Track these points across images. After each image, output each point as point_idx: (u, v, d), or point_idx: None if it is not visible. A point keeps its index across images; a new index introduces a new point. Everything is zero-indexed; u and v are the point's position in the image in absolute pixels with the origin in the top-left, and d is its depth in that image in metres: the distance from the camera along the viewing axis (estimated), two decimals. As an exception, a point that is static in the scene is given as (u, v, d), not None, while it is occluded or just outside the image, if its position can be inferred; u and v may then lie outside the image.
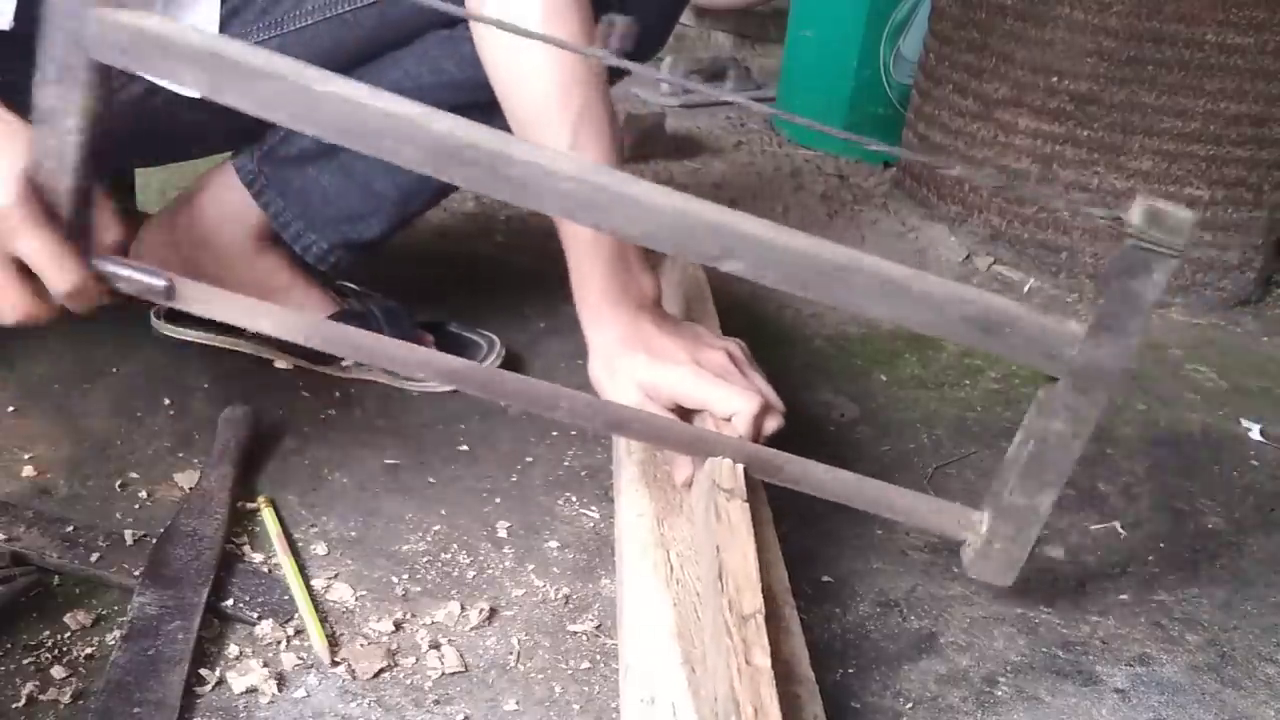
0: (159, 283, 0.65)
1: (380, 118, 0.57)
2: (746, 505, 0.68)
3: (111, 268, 0.64)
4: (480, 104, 0.93)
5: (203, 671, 0.66)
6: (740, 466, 0.71)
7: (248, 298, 0.68)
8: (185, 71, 0.57)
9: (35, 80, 0.58)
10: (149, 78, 0.57)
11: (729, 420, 0.77)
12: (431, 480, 0.89)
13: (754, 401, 0.76)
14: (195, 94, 0.58)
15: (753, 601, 0.59)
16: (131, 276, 0.65)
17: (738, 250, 0.60)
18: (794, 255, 0.60)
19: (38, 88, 0.59)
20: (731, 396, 0.77)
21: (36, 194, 0.60)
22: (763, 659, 0.55)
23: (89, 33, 0.56)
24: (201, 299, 0.67)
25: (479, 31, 0.84)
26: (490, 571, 0.79)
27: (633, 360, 0.80)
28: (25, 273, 0.62)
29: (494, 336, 1.07)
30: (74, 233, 0.62)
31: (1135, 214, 0.59)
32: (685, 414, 0.79)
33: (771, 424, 0.78)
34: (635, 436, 0.78)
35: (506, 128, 0.87)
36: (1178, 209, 0.59)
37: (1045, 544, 0.75)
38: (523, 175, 0.58)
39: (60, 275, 0.62)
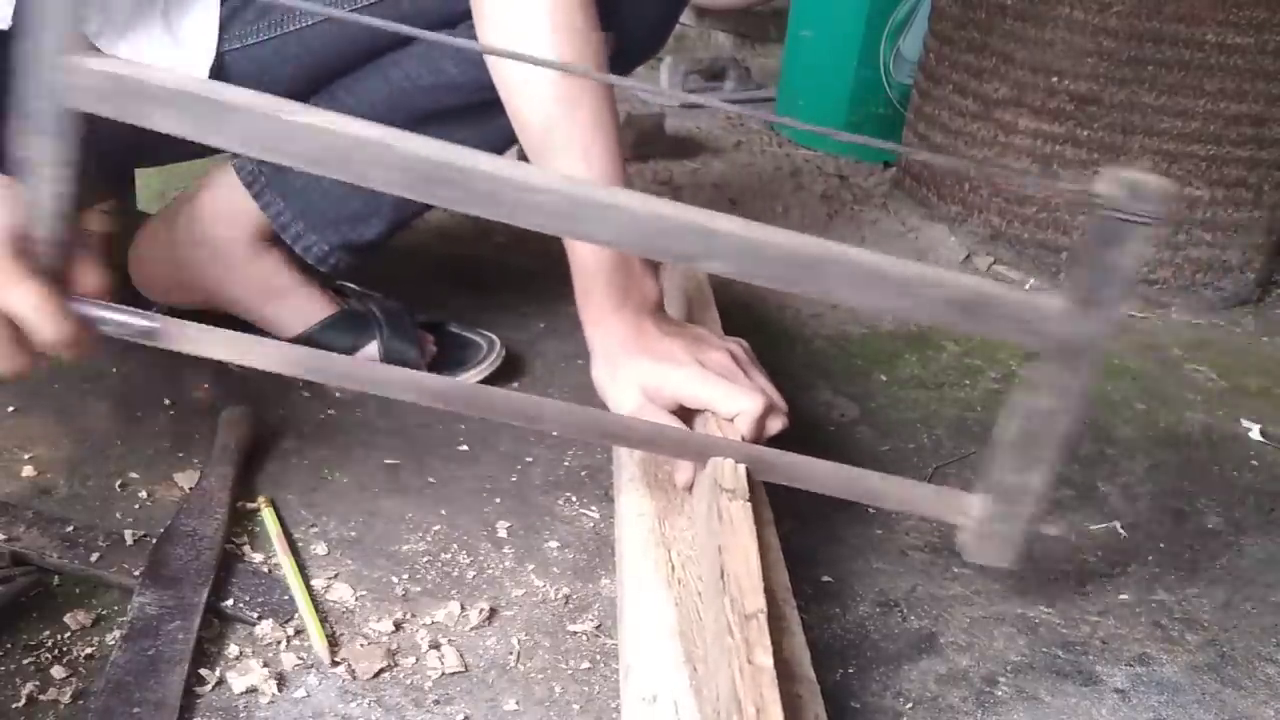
0: (146, 324, 0.65)
1: (353, 145, 0.57)
2: (748, 505, 0.68)
3: (96, 312, 0.64)
4: (480, 104, 0.94)
5: (203, 671, 0.66)
6: (742, 467, 0.71)
7: (232, 333, 0.68)
8: (160, 115, 0.57)
9: (11, 130, 0.58)
10: (126, 120, 0.57)
11: (732, 421, 0.77)
12: (431, 480, 0.89)
13: (758, 402, 0.76)
14: (177, 133, 0.58)
15: (755, 601, 0.59)
16: (117, 320, 0.65)
17: (715, 249, 0.60)
18: (771, 250, 0.61)
19: (15, 138, 0.58)
20: (735, 397, 0.77)
21: (26, 248, 0.60)
22: (765, 658, 0.55)
23: (64, 82, 0.56)
24: (188, 338, 0.67)
25: (485, 36, 0.83)
26: (490, 571, 0.79)
27: (635, 362, 0.80)
28: (10, 326, 0.62)
29: (494, 336, 1.06)
30: (58, 282, 0.62)
31: (1106, 184, 0.60)
32: (688, 415, 0.79)
33: (775, 424, 0.78)
34: (631, 445, 0.79)
35: (507, 127, 0.87)
36: (1154, 177, 0.59)
37: (1042, 522, 0.75)
38: (496, 190, 0.58)
39: (48, 326, 0.62)
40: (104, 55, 0.57)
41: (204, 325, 0.68)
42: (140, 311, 0.66)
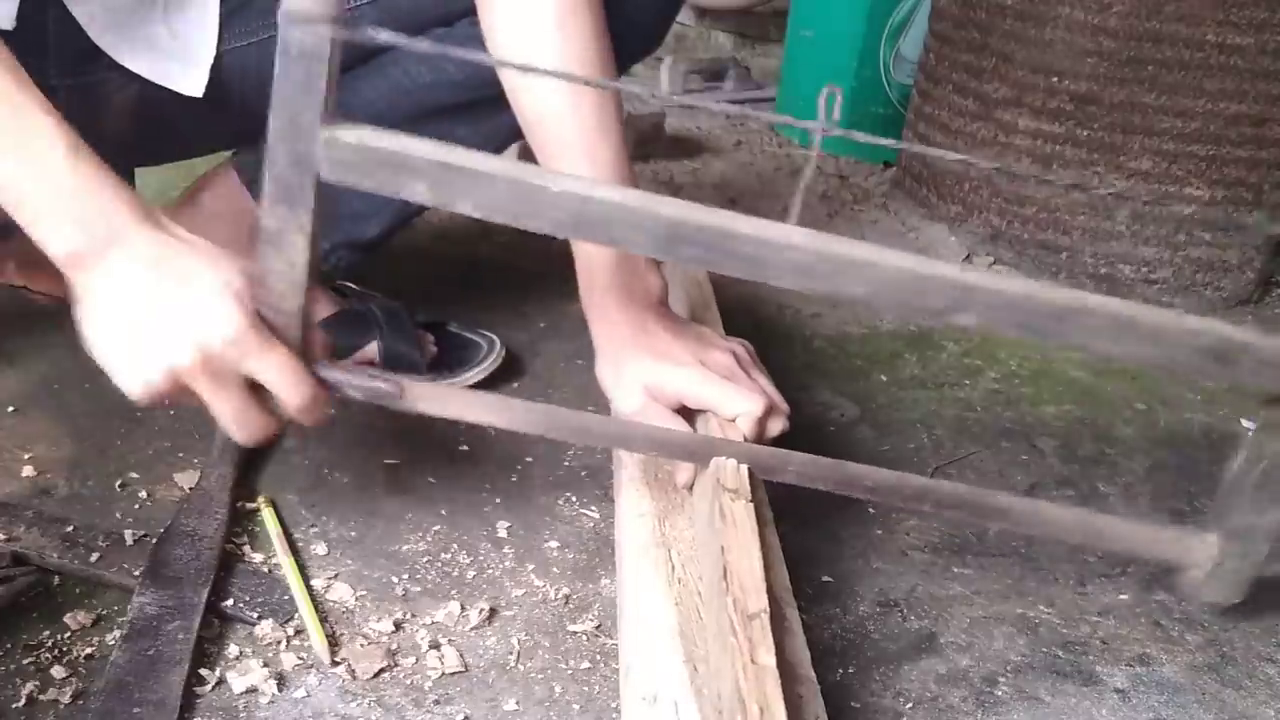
0: (387, 387, 0.66)
1: (612, 210, 0.58)
2: (751, 505, 0.68)
3: (339, 376, 0.66)
4: (480, 101, 0.94)
5: (203, 671, 0.66)
6: (744, 467, 0.71)
7: (476, 392, 0.70)
8: (414, 184, 0.57)
9: (259, 201, 0.59)
10: (376, 191, 0.58)
11: (734, 421, 0.77)
12: (431, 480, 0.89)
13: (759, 402, 0.76)
14: (427, 203, 0.58)
15: (758, 601, 0.59)
16: (358, 384, 0.66)
17: (967, 305, 0.61)
18: (1026, 303, 0.61)
19: (262, 209, 0.59)
20: (737, 397, 0.77)
21: (259, 314, 0.62)
22: (768, 658, 0.55)
23: (316, 153, 0.57)
24: (432, 397, 0.68)
25: (490, 33, 0.83)
26: (490, 571, 0.79)
27: (638, 361, 0.80)
28: (257, 391, 0.64)
29: (494, 336, 1.06)
30: (300, 348, 0.63)
31: None
32: (690, 415, 0.80)
33: (776, 425, 0.78)
34: (632, 448, 0.79)
35: (506, 125, 0.87)
36: None
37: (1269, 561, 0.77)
38: (753, 252, 0.59)
39: (294, 392, 0.64)
40: (357, 126, 0.57)
41: (446, 386, 0.68)
42: (380, 374, 0.67)
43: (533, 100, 0.82)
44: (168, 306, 0.61)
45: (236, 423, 0.65)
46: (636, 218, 0.58)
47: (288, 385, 0.63)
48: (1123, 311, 0.62)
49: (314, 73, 0.55)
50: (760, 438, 0.77)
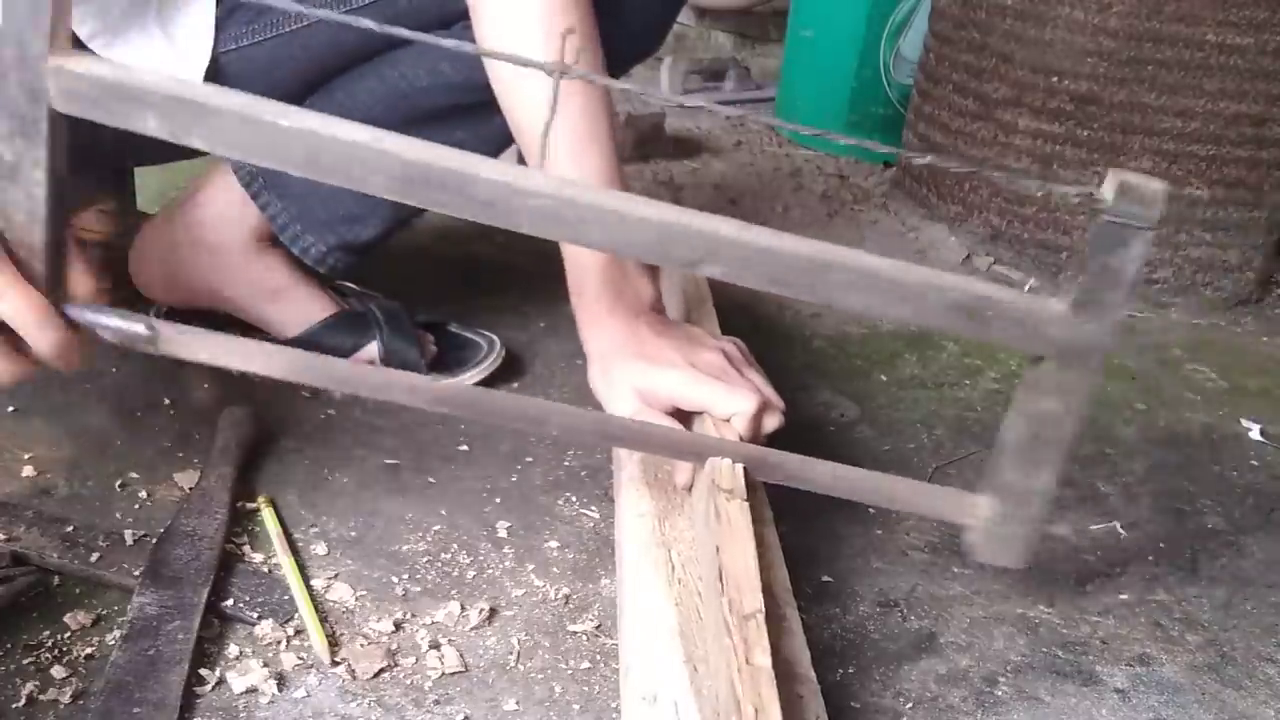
0: (140, 329, 0.64)
1: (342, 148, 0.56)
2: (746, 505, 0.68)
3: (91, 316, 0.63)
4: (477, 104, 0.94)
5: (203, 671, 0.66)
6: (740, 466, 0.71)
7: (229, 337, 0.67)
8: (146, 116, 0.56)
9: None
10: (111, 124, 0.56)
11: (728, 421, 0.77)
12: (431, 480, 0.89)
13: (752, 400, 0.76)
14: (158, 134, 0.57)
15: (753, 601, 0.59)
16: (113, 325, 0.64)
17: (714, 254, 0.59)
18: (770, 255, 0.60)
19: None
20: (729, 397, 0.77)
21: (8, 253, 0.59)
22: (763, 658, 0.55)
23: (46, 85, 0.56)
24: (185, 343, 0.66)
25: (481, 34, 0.83)
26: (490, 571, 0.79)
27: (628, 366, 0.80)
28: (5, 333, 0.61)
29: (494, 336, 1.06)
30: (51, 288, 0.61)
31: (1107, 189, 0.60)
32: (685, 417, 0.79)
33: (771, 422, 0.78)
34: (628, 446, 0.79)
35: (504, 127, 0.87)
36: (1149, 180, 0.59)
37: (1050, 523, 0.75)
38: (489, 195, 0.57)
39: (43, 333, 0.60)
40: (87, 56, 0.56)
41: (201, 330, 0.67)
42: (136, 316, 0.64)
43: (520, 106, 0.82)
44: None
45: None
46: (373, 158, 0.56)
47: (31, 325, 0.60)
48: (871, 266, 0.61)
49: (38, 2, 0.54)
50: (756, 436, 0.77)
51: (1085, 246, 0.63)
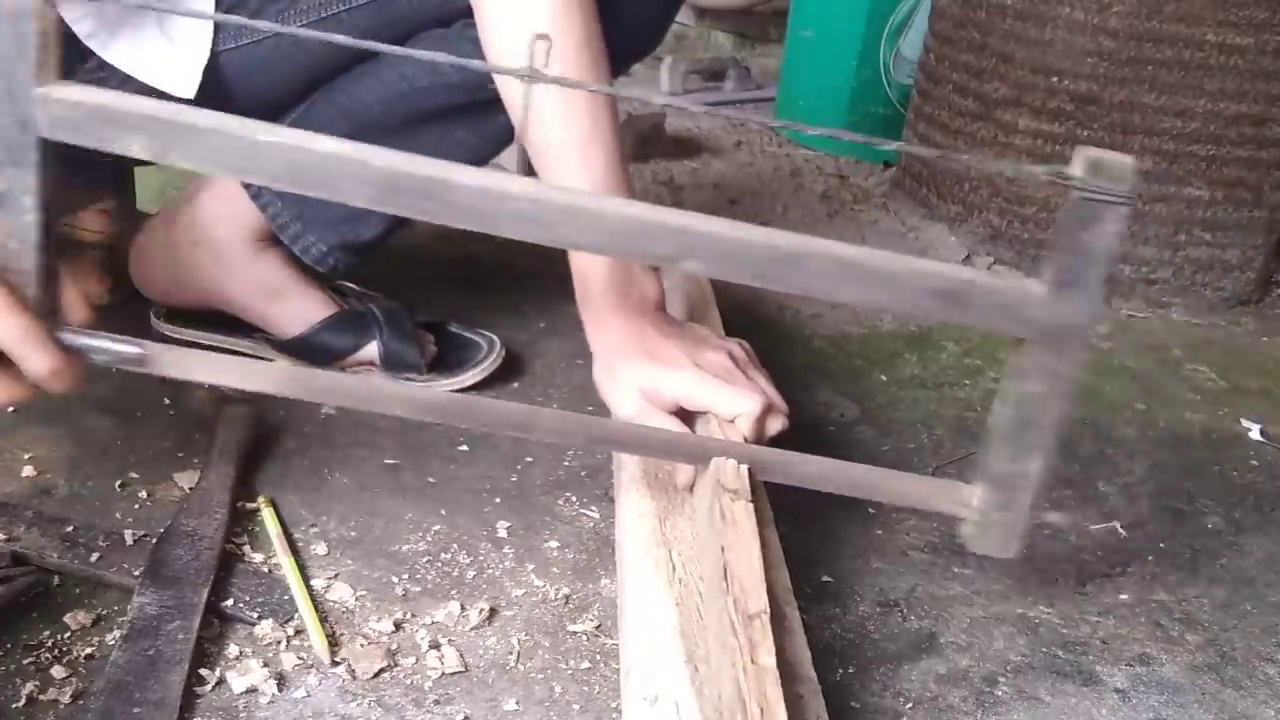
0: (135, 351, 0.65)
1: (326, 161, 0.57)
2: (751, 506, 0.68)
3: (84, 340, 0.64)
4: (477, 104, 0.94)
5: (203, 671, 0.66)
6: (744, 467, 0.71)
7: (220, 355, 0.68)
8: (132, 139, 0.57)
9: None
10: (99, 149, 0.57)
11: (732, 422, 0.77)
12: (431, 480, 0.89)
13: (757, 402, 0.76)
14: (144, 157, 0.58)
15: (758, 601, 0.59)
16: (106, 348, 0.65)
17: (691, 249, 0.60)
18: (746, 247, 0.60)
19: None
20: (734, 398, 0.77)
21: (7, 280, 0.60)
22: (768, 659, 0.55)
23: (35, 112, 0.57)
24: (177, 363, 0.67)
25: (483, 38, 0.83)
26: (490, 571, 0.79)
27: (634, 364, 0.80)
28: (5, 360, 0.61)
29: (494, 336, 1.06)
30: (43, 312, 0.62)
31: (1076, 166, 0.60)
32: (688, 417, 0.79)
33: (775, 425, 0.78)
34: (625, 450, 0.79)
35: (503, 126, 0.87)
36: (1119, 156, 0.60)
37: (1043, 511, 0.74)
38: (471, 202, 0.58)
39: (36, 358, 0.61)
40: (74, 84, 0.57)
41: (192, 349, 0.68)
42: (128, 339, 0.65)
43: (523, 105, 0.82)
44: None
45: None
46: (352, 169, 0.57)
47: (24, 350, 0.61)
48: (849, 255, 0.61)
49: (25, 31, 0.55)
50: (760, 437, 0.77)
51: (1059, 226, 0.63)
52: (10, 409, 0.91)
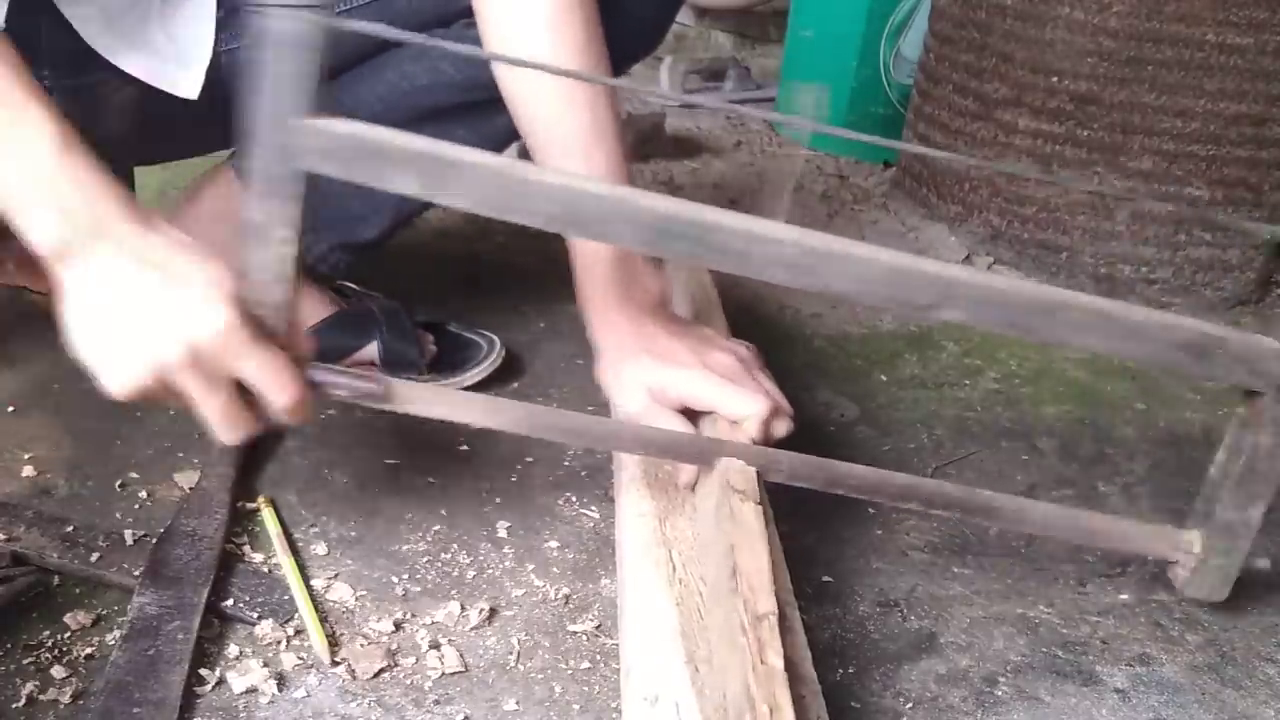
0: (373, 387, 0.66)
1: (600, 204, 0.58)
2: (760, 507, 0.68)
3: (326, 377, 0.65)
4: (478, 103, 0.94)
5: (203, 671, 0.66)
6: (753, 469, 0.71)
7: (458, 392, 0.68)
8: (396, 174, 0.57)
9: (242, 196, 0.59)
10: (355, 181, 0.57)
11: (737, 423, 0.77)
12: (431, 480, 0.89)
13: (763, 405, 0.76)
14: (414, 195, 0.58)
15: (767, 602, 0.59)
16: (347, 384, 0.66)
17: (953, 299, 0.62)
18: (1004, 297, 0.63)
19: (247, 203, 0.58)
20: (741, 399, 0.77)
21: (249, 313, 0.61)
22: (776, 659, 0.55)
23: (300, 145, 0.56)
24: (415, 399, 0.68)
25: (484, 38, 0.83)
26: (490, 571, 0.79)
27: (639, 362, 0.80)
28: (243, 390, 0.63)
29: (494, 336, 1.06)
30: (290, 346, 0.62)
31: None
32: (693, 416, 0.79)
33: (780, 427, 0.78)
34: (626, 449, 0.79)
35: (504, 126, 0.87)
36: None
37: (1250, 556, 0.77)
38: (738, 245, 0.60)
39: (282, 391, 0.62)
40: (336, 119, 0.57)
41: (432, 386, 0.68)
42: (368, 375, 0.66)
43: (527, 103, 0.82)
44: (155, 302, 0.60)
45: (222, 422, 0.64)
46: (626, 211, 0.58)
47: (275, 385, 0.62)
48: (1103, 309, 0.64)
49: (298, 62, 0.54)
50: (765, 440, 0.77)
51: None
52: (10, 409, 0.91)
